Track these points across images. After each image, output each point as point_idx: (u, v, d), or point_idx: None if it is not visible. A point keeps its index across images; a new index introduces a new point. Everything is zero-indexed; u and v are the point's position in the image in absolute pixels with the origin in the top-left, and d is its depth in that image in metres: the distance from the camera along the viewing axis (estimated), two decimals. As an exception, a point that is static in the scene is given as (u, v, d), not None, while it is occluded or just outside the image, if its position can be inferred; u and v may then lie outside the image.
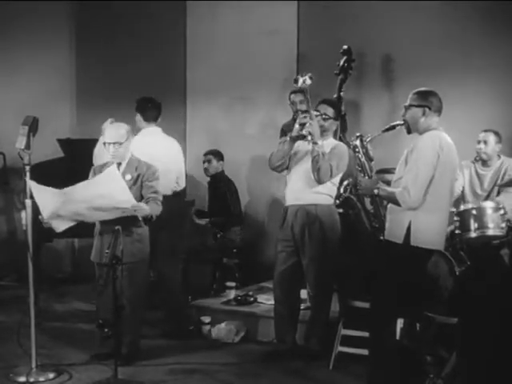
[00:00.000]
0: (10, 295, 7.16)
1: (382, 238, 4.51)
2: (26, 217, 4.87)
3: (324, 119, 5.09)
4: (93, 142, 5.81)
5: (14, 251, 7.80)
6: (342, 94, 6.12)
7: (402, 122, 4.42)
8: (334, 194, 5.08)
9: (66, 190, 4.77)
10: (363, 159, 4.53)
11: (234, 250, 6.93)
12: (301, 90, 5.46)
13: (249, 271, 6.98)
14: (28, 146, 4.76)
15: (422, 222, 4.18)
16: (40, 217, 4.80)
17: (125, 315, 4.76)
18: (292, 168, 5.21)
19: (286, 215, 5.22)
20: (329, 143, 5.11)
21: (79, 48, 8.68)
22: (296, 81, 4.87)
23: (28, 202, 4.85)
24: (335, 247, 5.12)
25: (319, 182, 4.95)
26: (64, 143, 7.18)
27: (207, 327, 5.87)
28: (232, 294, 6.21)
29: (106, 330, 4.65)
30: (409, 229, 4.18)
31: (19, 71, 8.10)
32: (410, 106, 4.35)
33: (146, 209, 4.81)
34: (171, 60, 8.02)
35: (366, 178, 4.48)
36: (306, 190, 5.08)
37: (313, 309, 5.29)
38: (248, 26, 7.54)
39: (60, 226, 4.93)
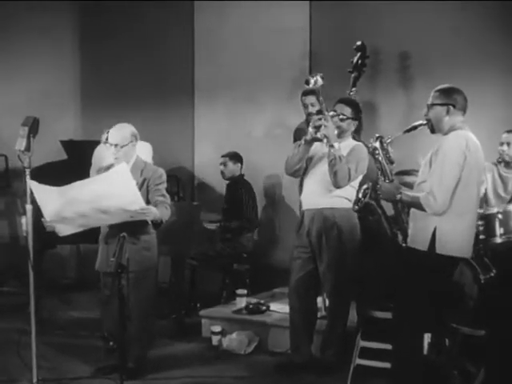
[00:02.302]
0: (11, 302, 6.97)
1: (403, 244, 4.29)
2: (26, 222, 4.63)
3: (341, 119, 4.91)
4: (97, 144, 5.73)
5: (16, 256, 7.60)
6: (353, 92, 5.97)
7: (425, 122, 4.21)
8: (353, 197, 4.82)
9: (71, 186, 4.53)
10: (383, 162, 4.27)
11: (245, 255, 6.75)
12: (312, 91, 5.34)
13: (260, 277, 6.81)
14: (28, 148, 4.55)
15: (448, 229, 3.97)
16: (43, 219, 4.57)
17: (131, 327, 4.57)
18: (308, 171, 5.03)
19: (302, 220, 5.03)
20: (347, 144, 4.93)
21: (84, 47, 8.58)
22: (307, 82, 4.71)
23: (28, 206, 4.62)
24: (354, 253, 4.91)
25: (337, 186, 4.77)
26: (67, 145, 7.07)
27: (217, 337, 5.67)
28: (243, 301, 6.00)
29: (110, 343, 4.40)
30: (434, 235, 3.98)
31: (22, 71, 8.00)
32: (433, 104, 4.15)
33: (155, 212, 4.57)
34: (179, 59, 7.91)
35: (387, 182, 4.23)
36: (323, 194, 4.90)
37: (329, 318, 5.06)
38: (257, 24, 7.40)
39: (64, 230, 4.69)
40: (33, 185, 4.48)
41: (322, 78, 4.65)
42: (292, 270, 5.07)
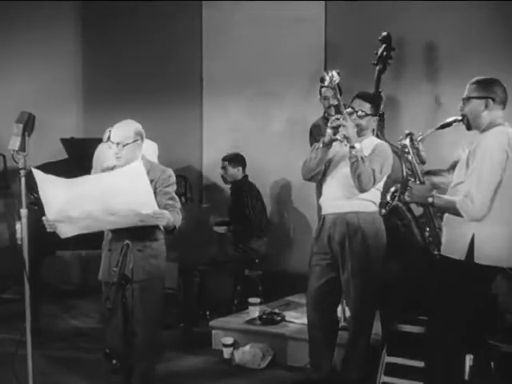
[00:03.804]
0: (11, 310, 6.63)
1: (436, 253, 3.99)
2: (21, 229, 4.29)
3: (360, 117, 4.56)
4: (99, 142, 5.39)
5: (17, 260, 7.31)
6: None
7: (460, 118, 3.87)
8: (378, 199, 4.56)
9: (79, 180, 4.15)
10: (414, 161, 3.95)
11: (257, 261, 6.47)
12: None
13: (273, 284, 6.52)
14: (23, 148, 4.16)
15: (488, 235, 3.66)
16: (44, 218, 4.16)
17: (136, 342, 4.20)
18: (328, 173, 4.68)
19: (322, 225, 4.68)
20: (369, 143, 4.58)
21: (86, 41, 8.37)
22: (322, 80, 4.35)
23: (23, 211, 4.24)
24: (379, 261, 4.55)
25: (361, 190, 4.42)
26: (68, 143, 6.83)
27: (229, 350, 5.37)
28: (256, 311, 5.70)
29: (114, 361, 4.02)
30: (472, 243, 3.66)
31: (21, 66, 7.74)
32: (470, 98, 3.82)
33: (169, 217, 4.16)
34: (186, 53, 7.67)
35: (418, 183, 3.90)
36: (345, 197, 4.55)
37: (352, 331, 4.69)
38: (270, 14, 7.09)
39: (66, 231, 4.25)
40: (37, 175, 4.08)
41: (339, 73, 4.30)
42: (310, 278, 4.75)
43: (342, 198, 4.55)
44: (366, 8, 6.49)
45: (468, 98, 3.81)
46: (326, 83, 4.33)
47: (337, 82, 4.30)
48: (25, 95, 7.31)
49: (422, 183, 3.92)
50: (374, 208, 4.52)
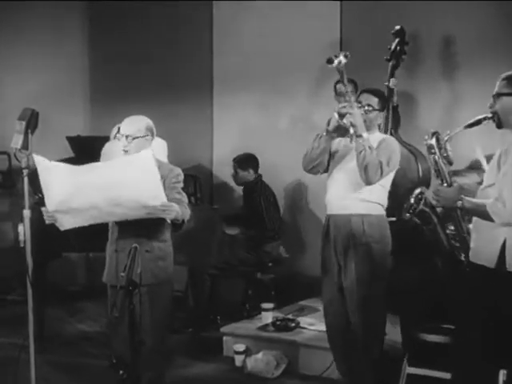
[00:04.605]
0: (16, 312, 6.43)
1: (463, 259, 3.81)
2: (23, 231, 4.15)
3: (367, 111, 4.38)
4: (106, 140, 5.26)
5: (22, 261, 7.19)
6: (391, 83, 5.56)
7: (490, 115, 3.62)
8: (385, 202, 4.39)
9: (83, 167, 3.94)
10: (440, 162, 3.73)
11: (270, 264, 6.28)
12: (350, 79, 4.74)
13: (285, 287, 6.35)
14: (26, 146, 4.05)
15: None
16: (43, 209, 3.95)
17: (144, 350, 3.96)
18: (333, 170, 4.48)
19: (327, 227, 4.46)
20: (375, 137, 4.40)
21: (94, 38, 8.28)
22: (330, 61, 4.17)
23: (26, 212, 4.18)
24: (385, 268, 4.34)
25: (368, 182, 4.21)
26: (74, 141, 6.66)
27: (241, 357, 5.20)
28: (269, 317, 5.53)
29: (120, 371, 3.82)
30: (503, 249, 3.42)
31: (27, 64, 7.69)
32: (500, 94, 3.57)
33: (177, 210, 3.95)
34: (195, 48, 7.53)
35: (445, 185, 3.69)
36: (350, 197, 4.34)
37: (363, 345, 4.40)
38: (282, 8, 6.94)
39: (67, 223, 4.01)
40: (38, 161, 3.87)
41: (346, 56, 4.13)
42: (322, 286, 4.56)
43: (347, 198, 4.36)
44: (381, 2, 6.31)
45: (498, 95, 3.56)
46: (335, 64, 4.15)
47: (344, 63, 4.13)
48: (31, 93, 7.24)
49: (450, 185, 3.69)
50: (381, 211, 4.35)
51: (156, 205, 3.82)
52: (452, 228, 3.98)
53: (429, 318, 4.30)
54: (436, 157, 3.75)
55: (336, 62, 4.12)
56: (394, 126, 5.52)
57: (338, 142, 4.47)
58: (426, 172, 5.39)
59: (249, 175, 6.42)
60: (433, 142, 3.76)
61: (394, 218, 4.83)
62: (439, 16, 6.02)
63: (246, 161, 6.44)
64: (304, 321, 5.47)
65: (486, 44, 5.79)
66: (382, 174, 4.20)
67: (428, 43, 6.09)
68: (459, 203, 3.54)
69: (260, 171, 6.51)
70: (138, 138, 4.10)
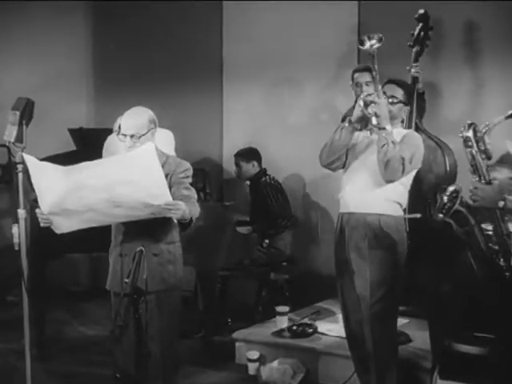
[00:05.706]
0: (14, 315, 6.01)
1: (503, 264, 3.47)
2: (18, 232, 3.91)
3: (391, 103, 4.16)
4: (110, 133, 5.01)
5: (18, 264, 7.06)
6: (414, 69, 5.38)
7: None
8: (405, 201, 4.18)
9: (80, 166, 3.70)
10: (478, 157, 3.40)
11: (284, 264, 6.09)
12: (368, 68, 4.62)
13: (301, 288, 6.13)
14: (20, 139, 3.80)
15: None
16: (37, 211, 3.71)
17: (151, 362, 3.76)
18: (350, 165, 4.22)
19: (341, 226, 4.22)
20: (398, 133, 4.15)
21: (97, 26, 8.10)
22: (362, 42, 3.98)
23: (21, 212, 3.89)
24: (401, 272, 4.11)
25: (387, 179, 3.98)
26: (76, 133, 6.42)
27: (255, 365, 4.93)
28: (284, 321, 5.26)
29: (126, 387, 3.55)
30: None
31: (29, 54, 7.58)
32: None
33: (184, 208, 3.68)
34: (204, 35, 7.34)
35: (483, 183, 3.38)
36: (368, 195, 4.10)
37: (372, 355, 4.13)
38: None
39: (62, 226, 3.78)
40: (30, 161, 3.66)
41: (381, 39, 3.91)
42: (339, 289, 4.32)
43: (363, 196, 4.13)
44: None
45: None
46: (366, 47, 3.95)
47: (376, 47, 3.92)
48: (32, 83, 7.10)
49: (489, 183, 3.37)
50: (399, 211, 4.13)
51: (160, 204, 3.56)
52: (489, 228, 3.65)
53: (462, 326, 3.97)
54: (473, 151, 3.42)
55: (368, 44, 3.93)
56: (418, 114, 5.31)
57: (357, 135, 4.24)
58: (453, 166, 5.16)
59: (253, 168, 6.36)
60: (469, 134, 3.43)
61: (418, 215, 4.61)
62: (462, 1, 5.83)
63: (250, 153, 6.40)
64: (322, 325, 5.21)
65: (510, 30, 5.62)
66: (403, 171, 3.98)
67: (450, 29, 5.93)
68: (501, 203, 3.26)
69: (271, 165, 6.44)
70: (143, 135, 3.85)
